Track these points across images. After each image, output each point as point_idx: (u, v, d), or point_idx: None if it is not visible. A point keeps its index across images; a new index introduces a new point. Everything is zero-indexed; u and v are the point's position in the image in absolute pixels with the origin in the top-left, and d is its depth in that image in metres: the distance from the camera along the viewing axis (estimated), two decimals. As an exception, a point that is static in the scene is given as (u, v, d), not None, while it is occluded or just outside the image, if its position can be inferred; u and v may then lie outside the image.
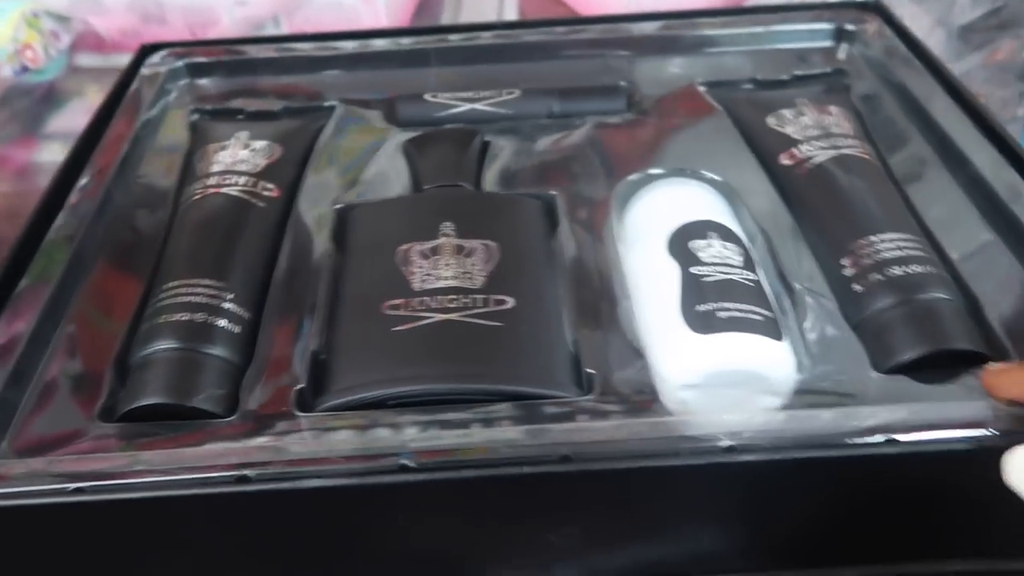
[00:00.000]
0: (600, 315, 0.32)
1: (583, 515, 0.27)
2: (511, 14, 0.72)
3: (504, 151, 0.40)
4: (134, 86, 0.44)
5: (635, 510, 0.27)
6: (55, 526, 0.26)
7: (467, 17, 0.72)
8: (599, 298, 0.33)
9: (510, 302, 0.32)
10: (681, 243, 0.32)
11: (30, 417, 0.29)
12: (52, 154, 0.60)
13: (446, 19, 0.71)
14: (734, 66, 0.45)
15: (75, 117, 0.62)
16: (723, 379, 0.29)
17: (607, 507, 0.26)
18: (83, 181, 0.38)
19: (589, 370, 0.29)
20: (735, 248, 0.32)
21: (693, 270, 0.31)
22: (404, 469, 0.25)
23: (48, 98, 0.64)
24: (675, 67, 0.45)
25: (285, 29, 0.66)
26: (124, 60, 0.69)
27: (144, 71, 0.45)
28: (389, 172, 0.40)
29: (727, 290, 0.30)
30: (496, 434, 0.26)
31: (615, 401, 0.28)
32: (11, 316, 0.32)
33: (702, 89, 0.43)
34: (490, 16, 0.71)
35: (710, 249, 0.32)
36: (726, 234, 0.33)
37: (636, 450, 0.25)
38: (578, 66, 0.46)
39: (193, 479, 0.25)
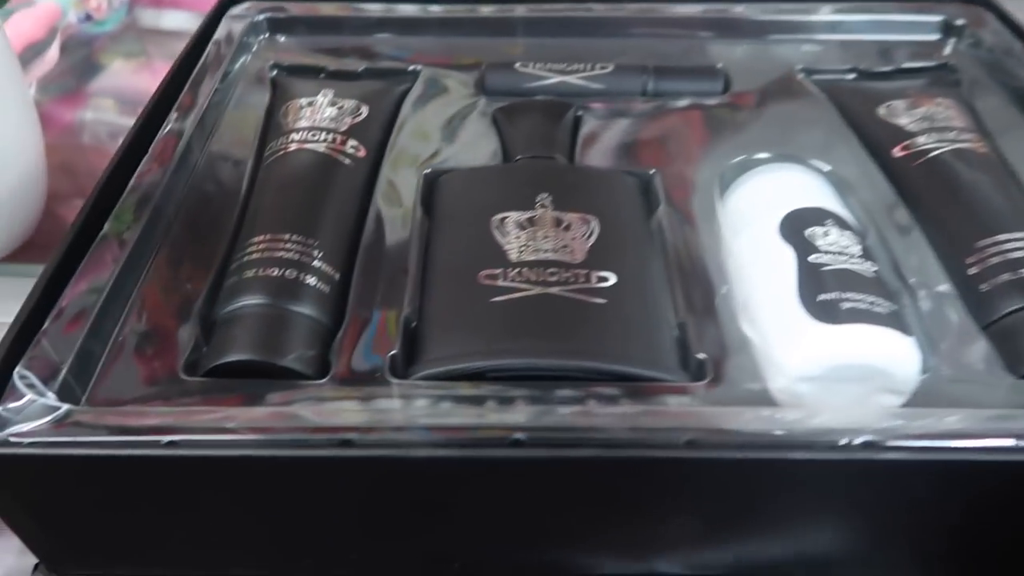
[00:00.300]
0: (706, 298, 0.30)
1: (699, 505, 0.25)
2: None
3: (596, 126, 0.39)
4: (214, 38, 0.42)
5: (754, 504, 0.25)
6: (143, 479, 0.25)
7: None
8: (703, 281, 0.31)
9: (612, 279, 0.30)
10: (796, 229, 0.31)
11: (111, 369, 0.27)
12: (101, 112, 0.59)
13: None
14: (835, 55, 0.43)
15: (124, 76, 0.61)
16: (845, 372, 0.27)
17: (725, 499, 0.25)
18: (164, 131, 0.36)
19: (699, 355, 0.28)
20: (853, 237, 0.31)
21: (812, 258, 0.29)
22: (516, 444, 0.23)
23: (102, 53, 0.62)
24: (773, 52, 0.43)
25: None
26: (178, 20, 0.68)
27: (224, 24, 0.43)
28: (477, 140, 0.38)
29: (849, 280, 0.29)
30: (614, 414, 0.24)
31: (730, 388, 0.27)
32: (91, 268, 0.30)
33: (801, 76, 0.41)
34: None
35: (828, 237, 0.30)
36: (842, 223, 0.31)
37: (763, 441, 0.24)
38: (668, 46, 0.44)
39: (294, 439, 0.24)
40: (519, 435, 0.24)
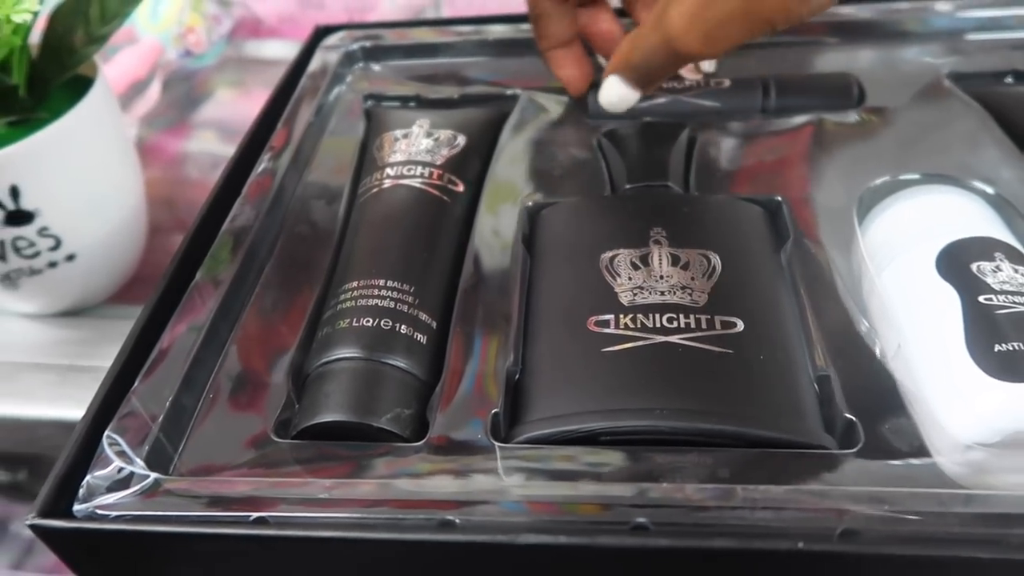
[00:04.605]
0: (850, 347, 0.26)
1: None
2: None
3: (714, 148, 0.35)
4: (309, 70, 0.41)
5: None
6: (231, 556, 0.23)
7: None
8: (845, 326, 0.27)
9: (739, 324, 0.27)
10: (958, 264, 0.26)
11: (202, 426, 0.26)
12: (203, 143, 0.59)
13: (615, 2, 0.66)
14: (986, 57, 0.38)
15: (224, 107, 0.62)
16: (1029, 440, 0.23)
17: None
18: (258, 168, 0.35)
19: (848, 415, 0.24)
20: (1029, 274, 0.26)
21: (982, 299, 0.25)
22: (640, 530, 0.20)
23: (202, 85, 0.63)
24: (911, 57, 0.39)
25: (445, 13, 0.63)
26: (275, 49, 0.69)
27: (318, 55, 0.42)
28: (582, 168, 0.35)
29: (1031, 327, 0.24)
30: (752, 496, 0.21)
31: (886, 457, 0.23)
32: (185, 314, 0.29)
33: (949, 83, 0.37)
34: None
35: (1000, 273, 0.26)
36: (1015, 256, 0.27)
37: (938, 533, 0.20)
38: (789, 55, 0.40)
39: (389, 520, 0.21)
40: (641, 519, 0.20)
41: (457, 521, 0.21)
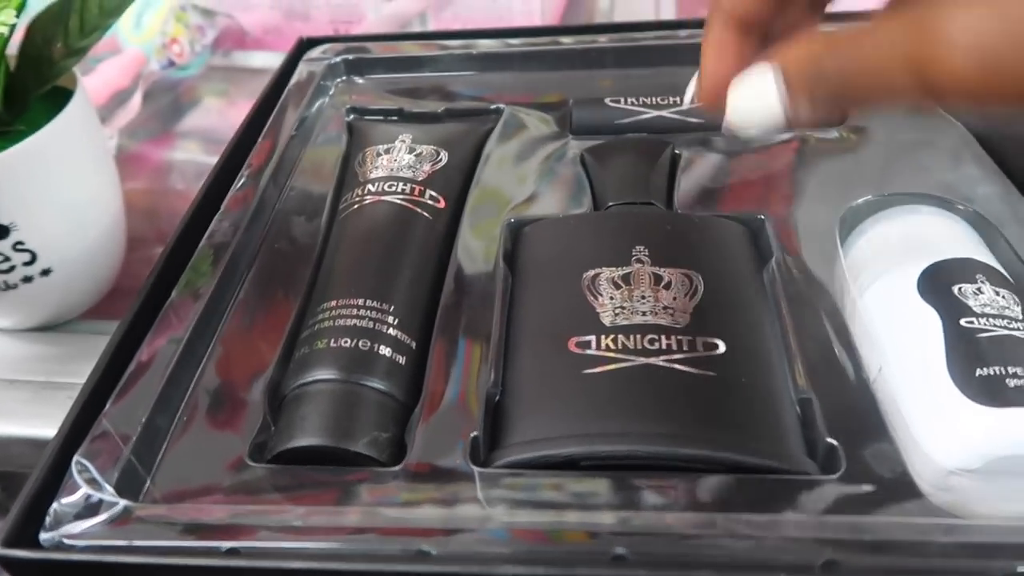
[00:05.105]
0: (832, 369, 0.26)
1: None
2: (668, 13, 0.67)
3: (696, 166, 0.35)
4: (292, 82, 0.41)
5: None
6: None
7: (620, 16, 0.67)
8: (827, 347, 0.27)
9: (721, 347, 0.26)
10: (940, 286, 0.26)
11: (176, 448, 0.26)
12: (187, 152, 0.59)
13: (600, 18, 0.66)
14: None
15: (209, 116, 0.61)
16: (1012, 466, 0.23)
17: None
18: (238, 184, 0.35)
19: (829, 440, 0.24)
20: (1010, 296, 0.26)
21: (963, 322, 0.25)
22: (618, 561, 0.20)
23: (187, 95, 0.63)
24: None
25: (432, 26, 0.63)
26: (260, 59, 0.68)
27: (302, 67, 0.42)
28: (564, 184, 0.35)
29: (1013, 349, 0.24)
30: (735, 522, 0.21)
31: (871, 484, 0.22)
32: (161, 330, 0.29)
33: (931, 99, 0.37)
34: (647, 15, 0.66)
35: (981, 295, 0.26)
36: (996, 276, 0.27)
37: (920, 566, 0.20)
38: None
39: (365, 551, 0.21)
40: (621, 549, 0.20)
41: (433, 552, 0.21)
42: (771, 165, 0.35)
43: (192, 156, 0.59)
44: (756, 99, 0.20)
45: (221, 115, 0.64)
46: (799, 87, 0.19)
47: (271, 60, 0.65)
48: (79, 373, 0.37)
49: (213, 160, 0.37)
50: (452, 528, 0.21)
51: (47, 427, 0.35)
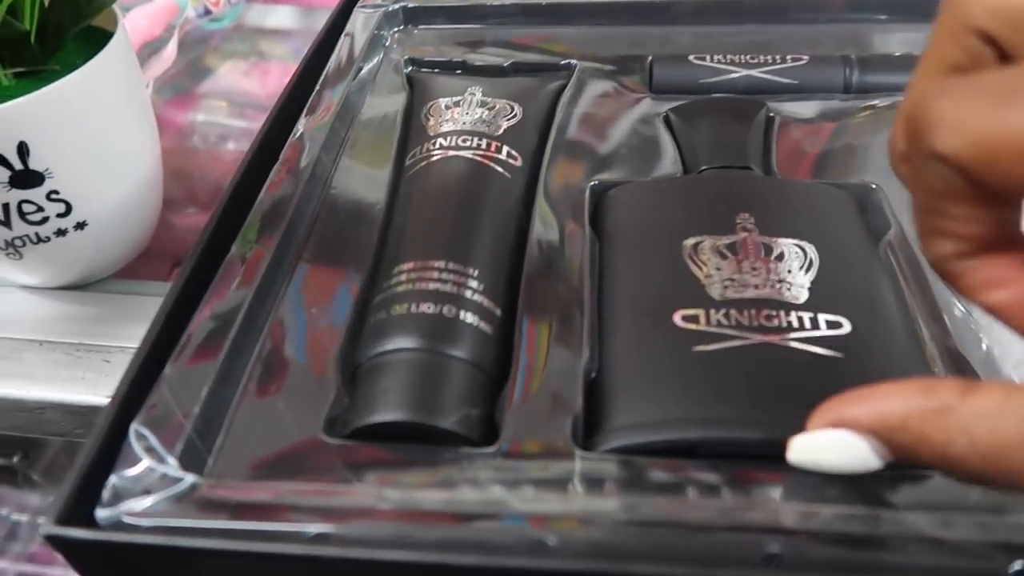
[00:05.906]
0: (964, 352, 0.24)
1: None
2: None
3: (792, 129, 0.32)
4: (345, 31, 0.38)
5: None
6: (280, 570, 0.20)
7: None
8: (960, 327, 0.24)
9: (846, 325, 0.24)
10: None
11: (241, 420, 0.23)
12: (213, 113, 0.56)
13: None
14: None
15: (235, 77, 0.58)
16: None
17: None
18: (292, 140, 0.32)
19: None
20: None
21: None
22: (771, 561, 0.18)
23: (213, 54, 0.60)
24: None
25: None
26: (286, 16, 0.65)
27: (355, 16, 0.39)
28: (647, 146, 0.32)
29: None
30: (893, 519, 0.18)
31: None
32: (218, 292, 0.26)
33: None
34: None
35: None
36: None
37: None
38: (871, 31, 0.37)
39: (473, 540, 0.18)
40: (774, 547, 0.18)
41: (551, 543, 0.18)
42: (873, 129, 0.32)
43: (217, 117, 0.56)
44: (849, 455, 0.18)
45: (247, 78, 0.61)
46: (885, 435, 0.17)
47: (298, 20, 0.62)
48: (114, 335, 0.35)
49: (239, 123, 0.34)
50: (571, 516, 0.19)
51: (82, 392, 0.32)
